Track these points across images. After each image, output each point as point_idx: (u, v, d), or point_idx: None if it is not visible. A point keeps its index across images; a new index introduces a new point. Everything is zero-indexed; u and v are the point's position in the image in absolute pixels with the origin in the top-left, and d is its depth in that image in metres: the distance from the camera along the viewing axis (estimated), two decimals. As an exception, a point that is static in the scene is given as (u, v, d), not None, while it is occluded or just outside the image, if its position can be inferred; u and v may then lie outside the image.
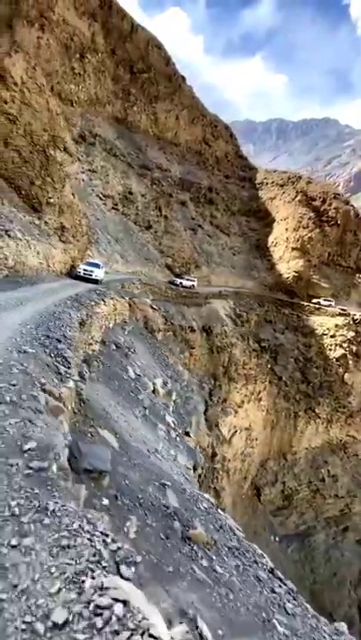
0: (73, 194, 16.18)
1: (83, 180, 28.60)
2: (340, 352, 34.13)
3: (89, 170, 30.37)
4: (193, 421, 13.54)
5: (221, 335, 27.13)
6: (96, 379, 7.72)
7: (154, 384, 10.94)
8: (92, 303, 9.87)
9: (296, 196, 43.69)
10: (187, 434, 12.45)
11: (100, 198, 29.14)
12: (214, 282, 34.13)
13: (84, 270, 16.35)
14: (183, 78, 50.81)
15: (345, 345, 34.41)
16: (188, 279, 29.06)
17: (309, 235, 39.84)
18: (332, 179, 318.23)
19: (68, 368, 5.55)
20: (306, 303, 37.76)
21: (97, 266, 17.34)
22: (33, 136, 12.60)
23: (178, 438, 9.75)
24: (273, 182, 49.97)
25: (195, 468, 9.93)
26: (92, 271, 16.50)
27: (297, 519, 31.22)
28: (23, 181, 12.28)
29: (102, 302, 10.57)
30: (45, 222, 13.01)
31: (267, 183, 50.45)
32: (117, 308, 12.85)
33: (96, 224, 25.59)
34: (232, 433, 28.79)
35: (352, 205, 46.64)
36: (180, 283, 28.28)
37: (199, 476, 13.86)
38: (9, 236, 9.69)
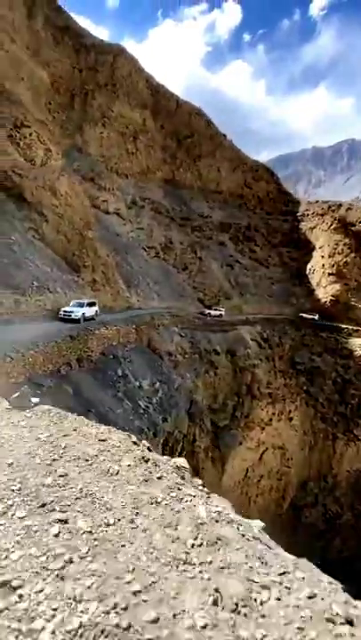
0: (108, 254, 22.93)
1: (132, 238, 36.40)
2: (379, 373, 33.73)
3: (137, 228, 38.24)
4: (173, 412, 17.48)
5: (245, 357, 30.53)
6: (85, 371, 13.05)
7: (140, 382, 15.79)
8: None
9: (332, 224, 45.43)
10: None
11: (145, 250, 36.39)
12: (246, 311, 37.75)
13: (64, 312, 16.82)
14: (224, 136, 58.29)
15: (385, 366, 33.89)
16: (215, 309, 33.60)
17: (345, 259, 40.96)
18: None
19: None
20: (345, 326, 38.39)
21: (81, 305, 17.81)
22: (74, 224, 19.64)
23: (145, 413, 14.31)
24: (314, 212, 52.25)
25: (155, 434, 14.21)
26: (71, 312, 16.96)
27: (340, 544, 30.46)
28: (68, 254, 19.18)
29: (103, 327, 16.21)
30: (82, 279, 19.60)
31: (308, 214, 52.93)
32: (121, 333, 18.25)
33: (138, 271, 32.47)
34: (263, 450, 30.94)
35: (396, 226, 45.91)
36: (209, 313, 32.97)
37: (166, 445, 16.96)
38: (49, 291, 16.20)
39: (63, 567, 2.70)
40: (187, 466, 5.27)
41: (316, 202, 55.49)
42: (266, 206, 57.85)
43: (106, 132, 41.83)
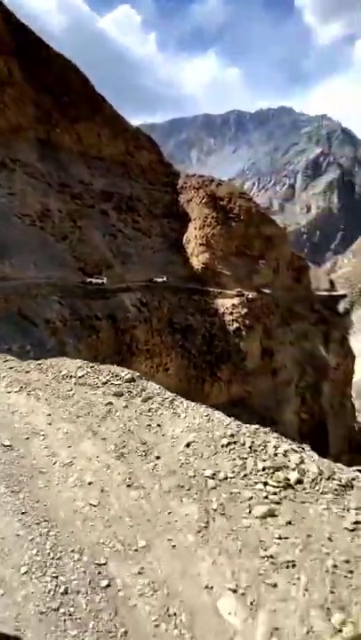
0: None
1: (2, 204, 34.79)
2: (235, 326, 41.87)
3: (9, 194, 36.47)
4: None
5: (124, 320, 34.17)
6: None
7: (10, 346, 17.75)
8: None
9: (204, 198, 51.02)
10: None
11: (19, 217, 35.37)
12: (127, 279, 40.99)
13: None
14: (104, 99, 56.91)
15: (240, 320, 42.17)
16: (97, 278, 35.88)
17: (213, 231, 47.28)
18: (291, 167, 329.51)
19: None
20: (212, 289, 45.30)
21: None
22: None
23: None
24: (190, 186, 57.10)
25: None
26: None
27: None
28: None
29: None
30: None
31: (186, 187, 57.54)
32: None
33: (12, 240, 31.94)
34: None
35: (254, 202, 54.40)
36: (90, 282, 35.05)
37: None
38: None
39: None
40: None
41: (193, 175, 60.35)
42: (149, 176, 60.08)
43: None
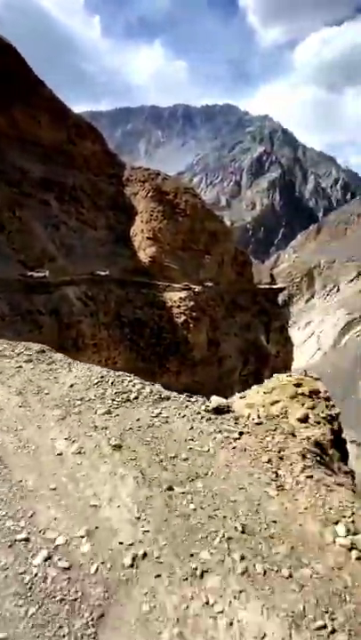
0: None
1: None
2: (183, 318, 43.05)
3: None
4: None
5: (69, 314, 33.40)
6: None
7: None
8: None
9: (150, 192, 51.14)
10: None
11: None
12: (72, 272, 39.94)
13: None
14: (42, 82, 53.82)
15: (187, 312, 43.43)
16: (38, 271, 34.47)
17: (159, 226, 47.73)
18: (237, 164, 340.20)
19: None
20: (160, 283, 45.88)
21: None
22: None
23: None
24: (136, 179, 56.71)
25: None
26: None
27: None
28: None
29: None
30: None
31: (131, 180, 57.02)
32: None
33: None
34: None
35: (200, 198, 55.86)
36: (31, 275, 33.58)
37: None
38: None
39: None
40: None
41: (139, 168, 59.93)
42: (93, 167, 58.38)
43: None
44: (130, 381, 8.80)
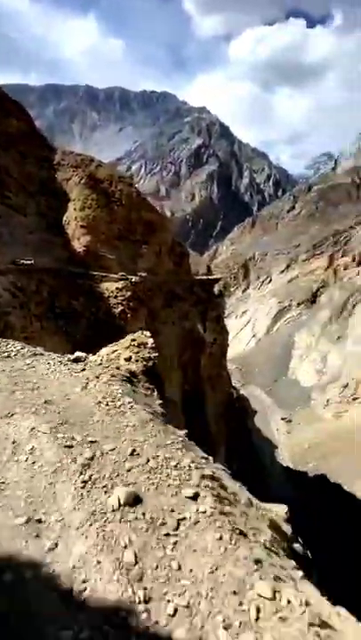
0: None
1: None
2: (120, 309, 43.06)
3: None
4: None
5: (-4, 307, 31.38)
6: None
7: None
8: None
9: (83, 178, 49.43)
10: None
11: None
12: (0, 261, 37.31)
13: None
14: None
15: (125, 303, 43.50)
16: None
17: (94, 214, 46.58)
18: (176, 153, 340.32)
19: None
20: (96, 273, 45.07)
21: None
22: None
23: None
24: (68, 164, 54.25)
25: None
26: None
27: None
28: None
29: None
30: None
31: (63, 164, 54.40)
32: None
33: None
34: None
35: (135, 187, 55.53)
36: None
37: None
38: None
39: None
40: None
41: (72, 153, 57.24)
42: (20, 148, 54.26)
43: None
44: (13, 345, 10.05)
